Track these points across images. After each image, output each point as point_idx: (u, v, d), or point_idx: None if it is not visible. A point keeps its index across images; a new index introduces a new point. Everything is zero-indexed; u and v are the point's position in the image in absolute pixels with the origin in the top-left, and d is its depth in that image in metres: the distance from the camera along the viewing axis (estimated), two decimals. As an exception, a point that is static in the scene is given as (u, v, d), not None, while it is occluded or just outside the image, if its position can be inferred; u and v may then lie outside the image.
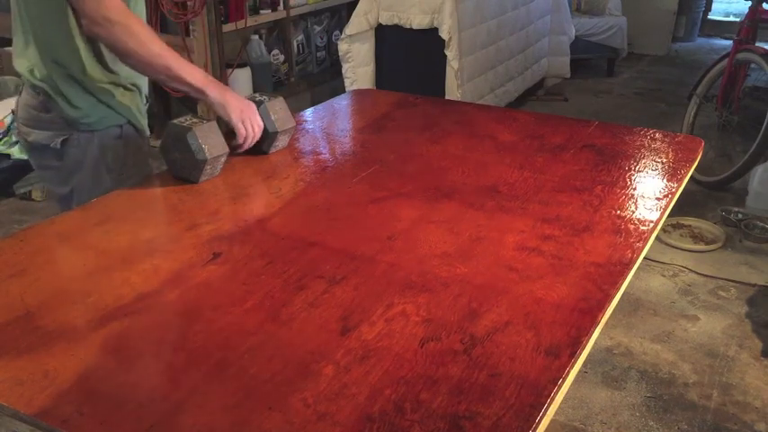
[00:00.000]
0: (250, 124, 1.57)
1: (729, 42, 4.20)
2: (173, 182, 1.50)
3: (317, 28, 4.78)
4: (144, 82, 1.67)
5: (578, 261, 1.20)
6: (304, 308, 1.07)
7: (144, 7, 1.64)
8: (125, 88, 1.59)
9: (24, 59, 1.53)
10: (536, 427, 0.85)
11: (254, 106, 1.59)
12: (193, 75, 1.50)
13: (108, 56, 1.53)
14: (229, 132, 1.58)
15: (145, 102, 1.70)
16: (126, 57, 1.46)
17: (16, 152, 3.45)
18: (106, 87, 1.56)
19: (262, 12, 4.20)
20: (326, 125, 1.95)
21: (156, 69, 1.47)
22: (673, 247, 3.20)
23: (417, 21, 3.96)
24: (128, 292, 1.10)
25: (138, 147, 1.64)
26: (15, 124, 1.63)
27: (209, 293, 1.12)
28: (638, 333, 2.60)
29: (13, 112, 3.42)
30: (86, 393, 0.89)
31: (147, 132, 1.70)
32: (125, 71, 1.57)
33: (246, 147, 1.60)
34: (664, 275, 2.99)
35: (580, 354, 0.98)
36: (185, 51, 3.73)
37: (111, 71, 1.56)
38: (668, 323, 2.66)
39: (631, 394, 2.29)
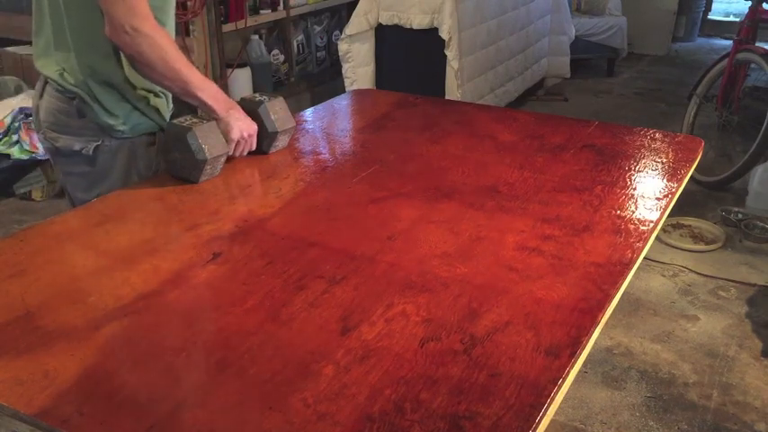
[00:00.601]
0: (244, 143, 1.58)
1: (729, 42, 4.21)
2: (173, 182, 1.50)
3: (317, 28, 4.78)
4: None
5: (578, 261, 1.20)
6: (304, 308, 1.07)
7: (174, 21, 1.61)
8: (156, 95, 1.59)
9: (52, 62, 1.50)
10: (536, 427, 0.85)
11: (255, 128, 1.60)
12: (207, 92, 1.51)
13: None
14: None
15: (169, 107, 1.69)
16: (146, 68, 1.46)
17: (16, 152, 3.45)
18: (142, 94, 1.55)
19: (262, 12, 4.20)
20: (326, 125, 1.95)
21: (174, 83, 1.47)
22: (673, 247, 3.20)
23: (417, 21, 3.96)
24: (128, 292, 1.10)
25: None
26: (37, 127, 1.59)
27: (209, 293, 1.12)
28: (638, 333, 2.60)
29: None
30: (86, 393, 0.89)
31: None
32: None
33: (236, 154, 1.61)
34: (664, 275, 2.99)
35: (580, 354, 0.98)
36: (185, 51, 3.73)
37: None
38: (668, 323, 2.66)
39: (631, 394, 2.29)
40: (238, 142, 1.57)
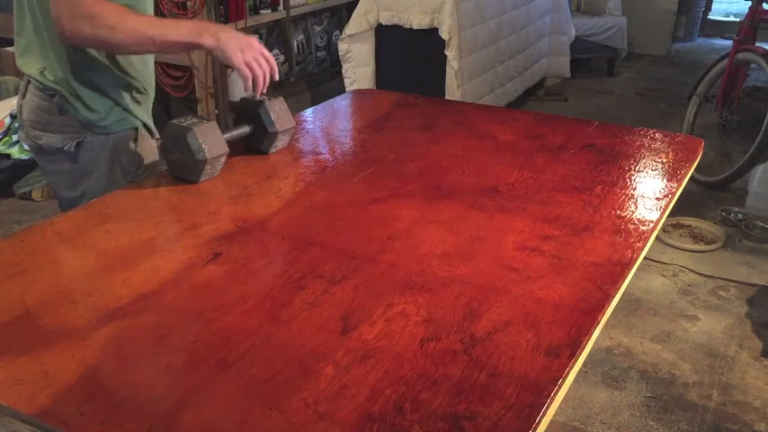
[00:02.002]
0: (257, 64, 1.49)
1: (729, 42, 4.21)
2: (173, 182, 1.50)
3: (317, 28, 4.78)
4: (151, 86, 1.66)
5: (578, 261, 1.20)
6: (304, 308, 1.07)
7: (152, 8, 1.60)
8: (138, 90, 1.58)
9: (33, 60, 1.51)
10: (536, 427, 0.85)
11: (256, 42, 1.50)
12: (179, 32, 1.43)
13: (122, 58, 1.52)
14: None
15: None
16: (109, 48, 1.43)
17: (16, 152, 3.45)
18: (122, 90, 1.55)
19: (262, 12, 4.20)
20: (326, 125, 1.95)
21: (142, 44, 1.41)
22: (673, 247, 3.20)
23: (417, 21, 3.96)
24: (128, 292, 1.10)
25: (152, 149, 1.64)
26: (20, 126, 1.60)
27: (209, 293, 1.12)
28: (638, 333, 2.60)
29: (12, 114, 3.41)
30: (86, 393, 0.89)
31: (157, 135, 1.67)
32: (139, 73, 1.56)
33: (262, 87, 1.53)
34: (664, 275, 2.99)
35: (580, 354, 0.98)
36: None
37: (126, 73, 1.55)
38: (668, 323, 2.66)
39: (631, 394, 2.29)
40: (251, 67, 1.48)
